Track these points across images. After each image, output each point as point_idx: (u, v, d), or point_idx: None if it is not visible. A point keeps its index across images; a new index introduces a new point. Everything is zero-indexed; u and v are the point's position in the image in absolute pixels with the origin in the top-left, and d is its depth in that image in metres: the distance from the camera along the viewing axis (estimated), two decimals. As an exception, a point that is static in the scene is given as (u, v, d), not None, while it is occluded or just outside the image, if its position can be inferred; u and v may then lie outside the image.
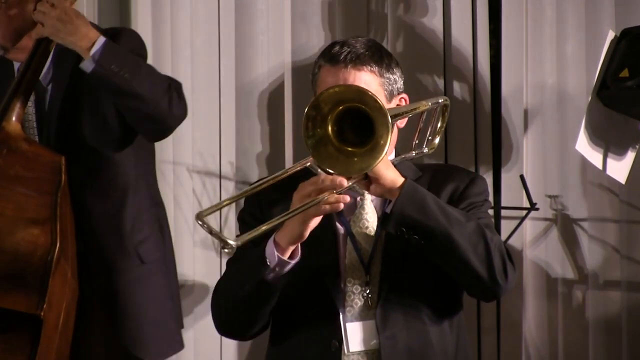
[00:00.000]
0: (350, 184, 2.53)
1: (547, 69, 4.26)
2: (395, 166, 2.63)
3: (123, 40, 3.14)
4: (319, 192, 2.49)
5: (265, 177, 2.59)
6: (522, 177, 4.12)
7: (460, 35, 4.28)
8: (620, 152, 3.88)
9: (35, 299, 2.91)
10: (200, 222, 2.41)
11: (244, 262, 2.64)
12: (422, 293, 2.66)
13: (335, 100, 2.48)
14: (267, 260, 2.54)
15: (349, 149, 2.50)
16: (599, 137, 3.82)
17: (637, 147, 3.90)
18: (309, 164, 2.56)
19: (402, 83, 2.76)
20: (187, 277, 4.17)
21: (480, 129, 4.29)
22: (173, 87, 3.12)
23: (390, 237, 2.64)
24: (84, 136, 3.19)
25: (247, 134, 4.29)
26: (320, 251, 2.63)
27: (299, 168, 2.58)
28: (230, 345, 4.22)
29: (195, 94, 4.21)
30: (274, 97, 4.27)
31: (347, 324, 2.63)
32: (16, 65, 3.24)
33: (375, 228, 2.68)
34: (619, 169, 3.88)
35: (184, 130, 4.20)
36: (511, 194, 4.26)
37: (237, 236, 2.47)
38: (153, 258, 3.28)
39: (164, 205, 3.43)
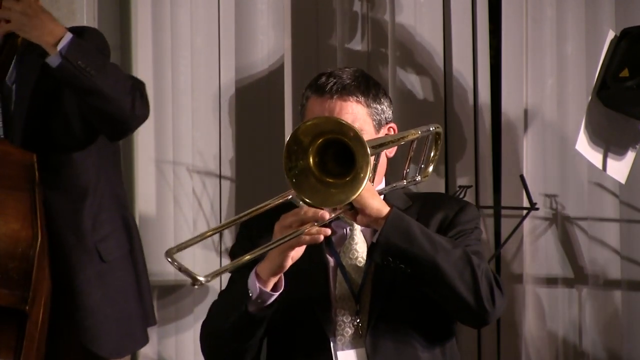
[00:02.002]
0: (333, 216, 2.52)
1: (547, 69, 4.26)
2: (385, 195, 2.64)
3: (86, 38, 3.14)
4: (301, 224, 2.48)
5: (246, 212, 2.55)
6: (522, 177, 4.12)
7: (460, 35, 4.28)
8: (620, 152, 3.88)
9: (19, 294, 2.90)
10: (169, 260, 2.39)
11: (229, 295, 2.65)
12: (412, 321, 2.65)
13: (315, 132, 2.47)
14: (250, 292, 2.53)
15: (330, 180, 2.49)
16: (599, 137, 3.82)
17: (637, 147, 3.90)
18: (290, 197, 2.55)
19: (390, 113, 2.75)
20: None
21: (480, 129, 4.29)
22: (136, 87, 3.12)
23: (379, 266, 2.63)
24: (49, 135, 3.18)
25: (247, 134, 4.29)
26: (310, 282, 2.63)
27: (281, 201, 2.56)
28: (230, 345, 4.22)
29: (195, 94, 4.21)
30: (274, 97, 4.28)
31: (339, 352, 2.63)
32: None
33: (365, 258, 2.68)
34: (619, 169, 3.88)
35: (184, 130, 4.20)
36: (511, 194, 4.26)
37: (206, 275, 2.41)
38: (114, 256, 3.27)
39: (128, 205, 3.43)
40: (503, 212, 4.25)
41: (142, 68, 4.17)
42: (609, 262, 4.27)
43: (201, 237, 2.53)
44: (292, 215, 2.50)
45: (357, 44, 4.32)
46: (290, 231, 2.47)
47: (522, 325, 4.25)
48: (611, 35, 3.78)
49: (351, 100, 2.67)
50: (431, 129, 2.72)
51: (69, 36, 3.01)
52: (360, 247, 2.69)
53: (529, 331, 4.26)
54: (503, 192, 4.28)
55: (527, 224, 4.22)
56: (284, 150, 2.47)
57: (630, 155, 3.90)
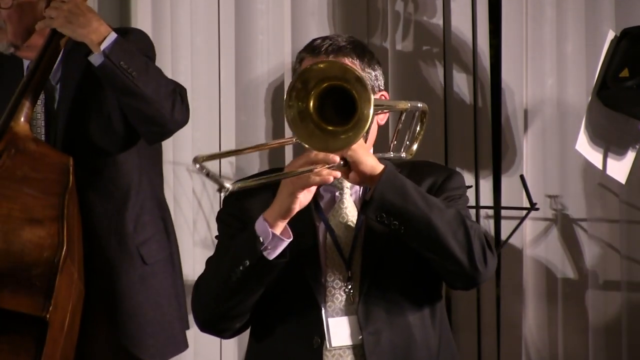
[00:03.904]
0: (340, 162, 2.53)
1: (547, 69, 4.27)
2: None
3: (131, 39, 3.14)
4: (311, 164, 2.50)
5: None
6: (522, 177, 4.12)
7: (460, 35, 4.28)
8: (620, 152, 3.88)
9: (41, 301, 2.90)
10: (198, 166, 2.38)
11: (232, 249, 2.62)
12: (403, 288, 2.65)
13: (320, 77, 2.49)
14: (260, 238, 2.53)
15: (329, 127, 2.50)
16: (599, 137, 3.83)
17: (637, 147, 3.90)
18: (295, 140, 2.57)
19: (382, 81, 2.76)
20: (187, 277, 4.16)
21: (480, 129, 4.29)
22: (178, 92, 3.12)
23: (370, 231, 2.64)
24: (90, 136, 3.18)
25: (247, 134, 4.29)
26: (300, 247, 2.61)
27: (282, 141, 2.65)
28: (230, 345, 4.22)
29: (195, 94, 4.21)
30: (274, 97, 4.28)
31: (329, 319, 2.62)
32: (26, 63, 3.24)
33: (354, 222, 2.67)
34: (619, 169, 3.88)
35: (183, 130, 4.18)
36: (511, 194, 4.26)
37: (233, 182, 2.42)
38: (156, 259, 3.26)
39: (168, 208, 3.43)
40: (503, 212, 4.25)
41: (142, 68, 4.17)
42: (610, 263, 4.26)
43: (236, 152, 2.53)
44: (304, 157, 2.51)
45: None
46: (301, 170, 2.49)
47: (522, 326, 4.26)
48: (611, 35, 3.78)
49: (346, 61, 2.66)
50: (419, 105, 2.74)
51: (113, 36, 3.02)
52: (350, 212, 2.68)
53: (529, 331, 4.26)
54: (503, 192, 4.28)
55: (527, 224, 4.22)
56: (287, 90, 2.48)
57: (630, 155, 3.90)
